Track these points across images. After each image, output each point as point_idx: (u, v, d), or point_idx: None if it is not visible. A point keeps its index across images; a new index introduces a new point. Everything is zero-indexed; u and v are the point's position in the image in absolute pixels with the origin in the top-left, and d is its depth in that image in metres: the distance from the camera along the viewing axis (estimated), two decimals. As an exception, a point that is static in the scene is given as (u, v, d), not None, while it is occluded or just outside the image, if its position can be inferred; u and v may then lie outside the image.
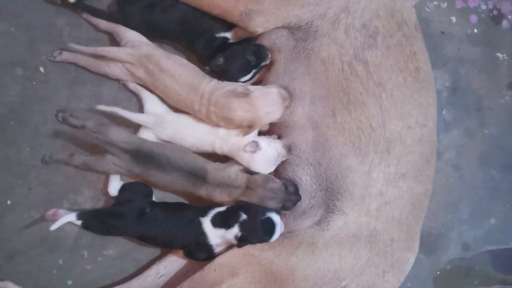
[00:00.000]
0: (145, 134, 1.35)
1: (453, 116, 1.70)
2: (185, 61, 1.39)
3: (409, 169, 1.32)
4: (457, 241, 1.71)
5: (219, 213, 1.30)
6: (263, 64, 1.38)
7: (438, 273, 1.70)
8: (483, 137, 1.73)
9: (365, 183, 1.30)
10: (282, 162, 1.35)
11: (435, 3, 1.68)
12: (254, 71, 1.39)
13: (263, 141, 1.30)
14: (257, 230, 1.24)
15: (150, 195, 1.37)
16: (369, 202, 1.30)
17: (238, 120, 1.28)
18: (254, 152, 1.28)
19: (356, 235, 1.29)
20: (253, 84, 1.41)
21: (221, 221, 1.27)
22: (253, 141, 1.29)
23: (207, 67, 1.39)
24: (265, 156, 1.29)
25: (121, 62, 1.35)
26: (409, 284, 1.62)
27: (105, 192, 1.38)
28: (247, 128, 1.29)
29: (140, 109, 1.42)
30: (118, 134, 1.27)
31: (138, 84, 1.40)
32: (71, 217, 1.26)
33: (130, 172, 1.31)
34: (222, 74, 1.37)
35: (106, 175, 1.38)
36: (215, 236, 1.27)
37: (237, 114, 1.27)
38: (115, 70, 1.37)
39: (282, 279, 1.25)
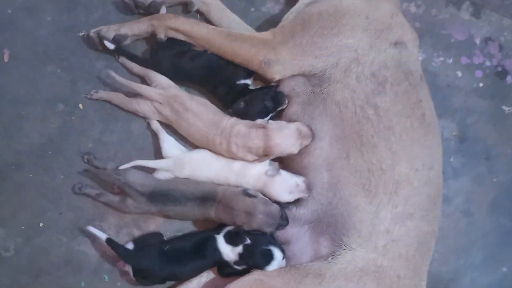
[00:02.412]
0: (162, 175, 1.46)
1: (461, 164, 1.77)
2: (207, 101, 1.53)
3: (416, 209, 1.38)
4: (469, 287, 1.72)
5: (229, 231, 1.39)
6: (279, 108, 1.50)
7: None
8: (493, 185, 1.78)
9: (372, 222, 1.36)
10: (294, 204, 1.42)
11: (441, 58, 1.81)
12: (271, 114, 1.50)
13: (285, 171, 1.42)
14: (255, 258, 1.32)
15: (160, 237, 1.47)
16: (376, 240, 1.35)
17: (254, 148, 1.40)
18: (273, 176, 1.38)
19: (363, 270, 1.34)
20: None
21: (230, 239, 1.36)
22: (275, 167, 1.39)
23: (230, 110, 1.52)
24: (283, 181, 1.40)
25: (150, 100, 1.49)
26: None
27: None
28: (263, 156, 1.40)
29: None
30: (135, 177, 1.40)
31: (160, 123, 1.53)
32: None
33: (148, 211, 1.43)
34: (242, 116, 1.49)
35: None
36: (228, 251, 1.35)
37: (254, 142, 1.39)
38: (144, 107, 1.51)
39: (289, 307, 1.29)
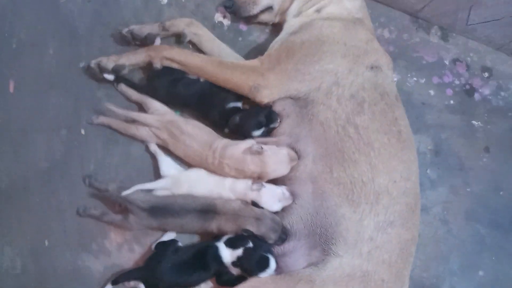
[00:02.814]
0: (160, 192, 1.56)
1: (437, 175, 1.90)
2: (201, 124, 1.63)
3: (396, 217, 1.48)
4: (449, 292, 1.83)
5: (230, 237, 1.47)
6: (272, 126, 1.59)
7: (432, 323, 1.79)
8: (467, 194, 1.91)
9: (357, 230, 1.45)
10: (282, 212, 1.51)
11: (415, 79, 1.97)
12: (264, 129, 1.59)
13: (267, 184, 1.52)
14: (253, 262, 1.40)
15: (176, 246, 1.53)
16: (361, 246, 1.44)
17: (249, 172, 1.50)
18: (259, 190, 1.48)
19: (350, 275, 1.42)
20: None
21: (231, 243, 1.44)
22: (258, 182, 1.50)
23: (226, 130, 1.61)
24: (271, 192, 1.49)
25: (148, 126, 1.61)
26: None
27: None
28: (257, 179, 1.51)
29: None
30: (135, 195, 1.50)
31: (158, 146, 1.63)
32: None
33: (150, 226, 1.51)
34: (238, 130, 1.59)
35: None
36: (227, 254, 1.43)
37: (249, 168, 1.50)
38: (143, 132, 1.62)
39: (283, 312, 1.37)
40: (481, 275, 1.86)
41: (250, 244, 1.42)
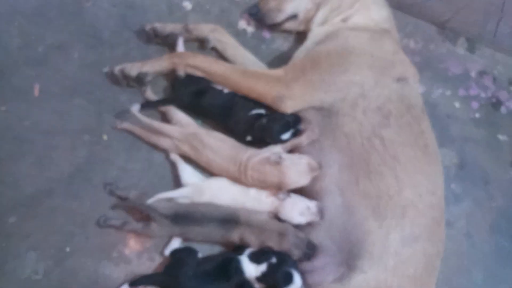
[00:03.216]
0: (182, 201, 1.55)
1: (462, 189, 1.87)
2: (224, 136, 1.61)
3: (421, 231, 1.46)
4: (472, 307, 1.80)
5: (253, 251, 1.45)
6: (298, 127, 1.57)
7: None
8: (491, 208, 1.88)
9: (383, 244, 1.43)
10: (312, 224, 1.49)
11: (440, 90, 1.95)
12: (292, 131, 1.56)
13: (297, 196, 1.50)
14: (277, 277, 1.38)
15: (196, 255, 1.50)
16: (386, 261, 1.42)
17: (270, 182, 1.49)
18: (284, 199, 1.47)
19: None
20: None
21: (255, 257, 1.42)
22: (287, 192, 1.48)
23: (248, 137, 1.59)
24: (294, 204, 1.47)
25: (170, 137, 1.60)
26: None
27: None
28: (277, 189, 1.50)
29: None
30: (157, 202, 1.49)
31: (178, 155, 1.62)
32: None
33: (172, 233, 1.51)
34: (264, 133, 1.55)
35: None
36: (251, 269, 1.41)
37: (268, 178, 1.48)
38: (165, 142, 1.61)
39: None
40: (505, 291, 1.83)
41: (274, 260, 1.40)
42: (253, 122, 1.59)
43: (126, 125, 1.66)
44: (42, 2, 1.79)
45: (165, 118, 1.68)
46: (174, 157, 1.63)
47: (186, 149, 1.59)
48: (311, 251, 1.44)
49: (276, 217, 1.50)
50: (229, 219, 1.47)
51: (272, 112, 1.61)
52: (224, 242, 1.54)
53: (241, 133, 1.62)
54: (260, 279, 1.40)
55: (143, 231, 1.50)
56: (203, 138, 1.57)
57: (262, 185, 1.52)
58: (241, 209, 1.50)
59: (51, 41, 1.75)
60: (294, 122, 1.57)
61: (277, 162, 1.48)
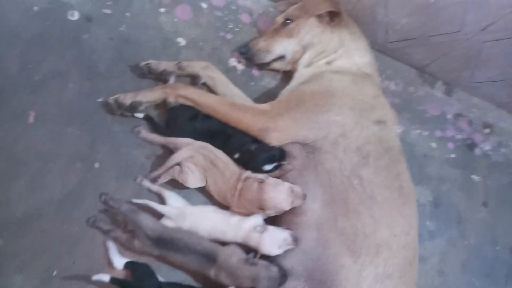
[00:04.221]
0: (167, 222, 1.60)
1: (436, 227, 1.95)
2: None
3: (394, 270, 1.51)
4: None
5: None
6: (282, 162, 1.64)
7: None
8: (464, 247, 1.96)
9: (356, 280, 1.48)
10: (286, 251, 1.54)
11: (418, 131, 2.04)
12: (275, 164, 1.64)
13: (272, 227, 1.56)
14: None
15: (154, 275, 1.55)
16: None
17: (251, 199, 1.55)
18: (262, 232, 1.53)
19: None
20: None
21: None
22: (262, 224, 1.55)
23: (236, 155, 1.66)
24: (272, 237, 1.52)
25: (184, 160, 1.64)
26: None
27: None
28: (259, 210, 1.56)
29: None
30: (146, 221, 1.54)
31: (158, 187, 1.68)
32: None
33: (151, 254, 1.55)
34: (250, 160, 1.63)
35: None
36: None
37: (251, 194, 1.55)
38: (189, 175, 1.63)
39: None
40: (475, 330, 1.89)
41: None
42: (243, 144, 1.67)
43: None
44: (42, 30, 1.85)
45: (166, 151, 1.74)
46: (155, 188, 1.68)
47: (201, 161, 1.64)
48: (284, 278, 1.49)
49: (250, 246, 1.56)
50: (209, 255, 1.52)
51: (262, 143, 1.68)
52: (199, 273, 1.57)
53: (230, 150, 1.69)
54: None
55: (126, 243, 1.56)
56: (212, 149, 1.66)
57: (245, 203, 1.58)
58: (220, 248, 1.55)
59: (49, 69, 1.80)
60: (279, 157, 1.65)
61: (262, 180, 1.56)
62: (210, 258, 1.52)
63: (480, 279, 1.94)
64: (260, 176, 1.61)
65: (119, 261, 1.56)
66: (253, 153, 1.64)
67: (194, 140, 1.69)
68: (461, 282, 1.92)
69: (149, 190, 1.70)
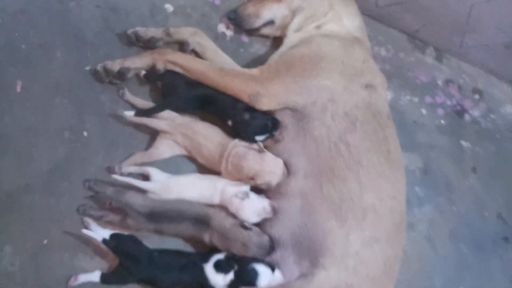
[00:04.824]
0: (153, 196, 1.60)
1: (425, 193, 1.97)
2: (212, 125, 1.69)
3: (381, 234, 1.54)
4: (432, 308, 1.90)
5: (219, 260, 1.51)
6: (274, 133, 1.64)
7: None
8: (452, 213, 1.98)
9: (343, 244, 1.51)
10: (271, 220, 1.57)
11: (408, 97, 2.04)
12: (267, 135, 1.65)
13: (254, 195, 1.57)
14: (245, 279, 1.47)
15: (142, 243, 1.56)
16: (347, 261, 1.50)
17: (246, 168, 1.56)
18: (243, 199, 1.54)
19: None
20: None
21: (221, 268, 1.49)
22: (245, 191, 1.55)
23: (230, 122, 1.66)
24: (252, 205, 1.54)
25: (161, 131, 1.65)
26: None
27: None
28: (250, 179, 1.57)
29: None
30: (134, 199, 1.54)
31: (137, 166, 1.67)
32: (91, 276, 1.51)
33: (147, 229, 1.56)
34: (242, 129, 1.64)
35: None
36: (217, 279, 1.48)
37: (248, 163, 1.56)
38: (163, 148, 1.66)
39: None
40: (463, 293, 1.94)
41: (236, 267, 1.47)
42: (237, 111, 1.66)
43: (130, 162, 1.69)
44: (27, 0, 1.81)
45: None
46: (134, 169, 1.67)
47: (180, 140, 1.65)
48: (271, 249, 1.53)
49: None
50: (202, 220, 1.54)
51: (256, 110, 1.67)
52: (195, 239, 1.60)
53: (224, 117, 1.69)
54: (230, 285, 1.47)
55: (120, 225, 1.56)
56: (192, 125, 1.65)
57: (237, 172, 1.58)
58: (212, 211, 1.56)
59: (34, 40, 1.77)
60: (272, 127, 1.65)
61: (262, 150, 1.57)
62: (203, 222, 1.54)
63: (468, 245, 1.97)
64: (255, 144, 1.61)
65: (103, 234, 1.53)
66: (245, 122, 1.64)
67: (175, 115, 1.68)
68: (449, 248, 1.95)
69: (131, 173, 1.68)
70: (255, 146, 1.60)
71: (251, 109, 1.67)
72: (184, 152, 1.71)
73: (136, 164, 1.67)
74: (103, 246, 1.59)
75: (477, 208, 2.01)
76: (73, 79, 1.76)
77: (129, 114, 1.68)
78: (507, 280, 1.93)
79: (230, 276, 1.48)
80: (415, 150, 2.00)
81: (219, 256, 1.53)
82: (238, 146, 1.61)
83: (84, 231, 1.50)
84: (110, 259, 1.59)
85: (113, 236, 1.52)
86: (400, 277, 1.64)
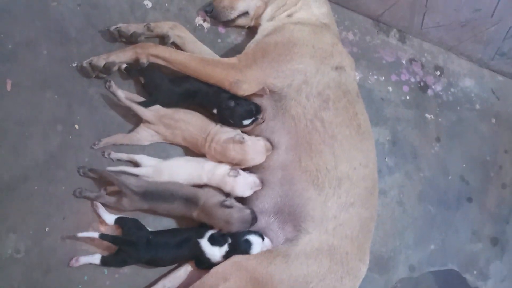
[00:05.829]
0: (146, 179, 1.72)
1: (394, 163, 2.15)
2: (192, 111, 1.80)
3: (356, 199, 1.71)
4: (404, 263, 2.09)
5: (212, 234, 1.66)
6: (258, 116, 1.78)
7: (390, 290, 2.04)
8: (420, 179, 2.17)
9: (322, 209, 1.67)
10: (256, 193, 1.73)
11: (375, 77, 2.20)
12: (252, 119, 1.77)
13: (242, 172, 1.72)
14: (239, 250, 1.62)
15: (143, 227, 1.69)
16: (326, 224, 1.67)
17: (230, 158, 1.70)
18: (236, 176, 1.69)
19: (319, 249, 1.65)
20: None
21: (216, 241, 1.64)
22: (235, 169, 1.70)
23: (215, 110, 1.78)
24: (244, 181, 1.70)
25: (144, 119, 1.76)
26: (366, 300, 1.95)
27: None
28: (235, 165, 1.71)
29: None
30: (129, 180, 1.65)
31: (128, 155, 1.77)
32: (92, 259, 1.63)
33: (141, 208, 1.68)
34: (228, 115, 1.75)
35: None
36: (212, 251, 1.63)
37: (231, 154, 1.69)
38: (143, 134, 1.77)
39: (263, 283, 1.57)
40: (432, 248, 2.13)
41: (230, 240, 1.63)
42: (221, 99, 1.77)
43: (107, 139, 1.78)
44: (9, 0, 1.87)
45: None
46: (125, 155, 1.77)
47: (162, 130, 1.76)
48: (255, 220, 1.68)
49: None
50: (192, 199, 1.68)
51: (239, 97, 1.79)
52: (185, 216, 1.73)
53: (209, 106, 1.80)
54: (226, 256, 1.61)
55: (115, 205, 1.67)
56: (173, 115, 1.76)
57: (222, 159, 1.72)
58: (201, 192, 1.70)
59: (19, 38, 1.82)
60: (256, 111, 1.78)
61: (241, 142, 1.69)
62: (193, 201, 1.68)
63: (435, 206, 2.16)
64: (231, 133, 1.72)
65: (109, 218, 1.68)
66: (232, 110, 1.75)
67: (157, 107, 1.77)
68: (419, 210, 2.14)
69: (120, 160, 1.78)
70: (236, 137, 1.70)
71: (234, 97, 1.78)
72: (162, 141, 1.82)
73: (117, 146, 1.79)
74: (103, 228, 1.71)
75: (442, 172, 2.19)
76: (60, 74, 1.82)
77: (122, 95, 1.77)
78: (469, 233, 2.13)
79: (225, 248, 1.62)
80: (383, 124, 2.16)
81: (213, 231, 1.67)
82: (219, 132, 1.73)
83: (80, 234, 1.62)
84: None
85: (118, 219, 1.65)
86: (376, 238, 1.80)
